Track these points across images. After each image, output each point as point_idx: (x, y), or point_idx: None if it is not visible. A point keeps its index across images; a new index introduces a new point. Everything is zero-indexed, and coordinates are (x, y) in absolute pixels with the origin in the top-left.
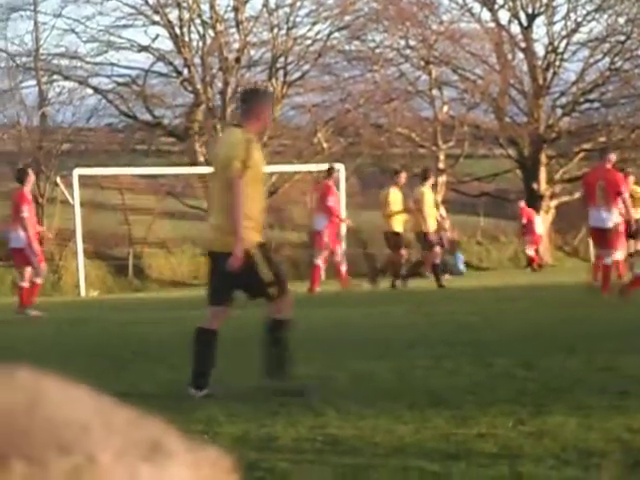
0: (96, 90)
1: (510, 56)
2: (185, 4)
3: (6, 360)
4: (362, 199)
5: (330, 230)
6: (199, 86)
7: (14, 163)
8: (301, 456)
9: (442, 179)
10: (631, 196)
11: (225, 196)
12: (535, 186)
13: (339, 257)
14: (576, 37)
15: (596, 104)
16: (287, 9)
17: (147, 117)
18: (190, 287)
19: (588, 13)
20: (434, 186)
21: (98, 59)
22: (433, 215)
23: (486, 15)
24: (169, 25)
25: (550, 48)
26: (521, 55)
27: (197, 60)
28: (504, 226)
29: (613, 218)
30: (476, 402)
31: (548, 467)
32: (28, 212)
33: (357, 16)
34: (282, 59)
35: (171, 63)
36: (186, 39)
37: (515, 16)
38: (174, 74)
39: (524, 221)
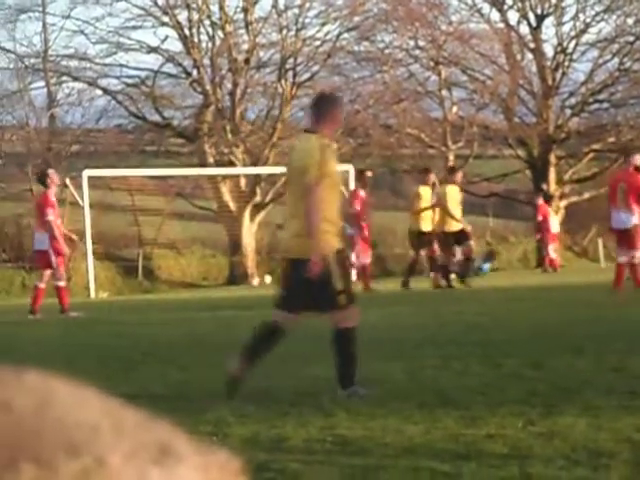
0: (105, 91)
1: (519, 57)
2: (194, 5)
3: (15, 361)
4: (371, 200)
5: (360, 235)
6: (208, 87)
7: (23, 164)
8: (311, 457)
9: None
10: None
11: (302, 203)
12: (544, 186)
13: (368, 260)
14: (585, 38)
15: (605, 104)
16: (296, 10)
17: (156, 118)
18: (200, 288)
19: (597, 14)
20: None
21: (107, 60)
22: (458, 213)
23: (495, 16)
24: (178, 26)
25: (559, 49)
26: (530, 56)
27: (206, 61)
28: (513, 226)
29: (633, 220)
30: (485, 402)
31: (558, 468)
32: (53, 215)
33: (366, 17)
34: (291, 60)
35: (180, 64)
36: (195, 40)
37: (524, 17)
38: (183, 75)
39: (539, 218)
